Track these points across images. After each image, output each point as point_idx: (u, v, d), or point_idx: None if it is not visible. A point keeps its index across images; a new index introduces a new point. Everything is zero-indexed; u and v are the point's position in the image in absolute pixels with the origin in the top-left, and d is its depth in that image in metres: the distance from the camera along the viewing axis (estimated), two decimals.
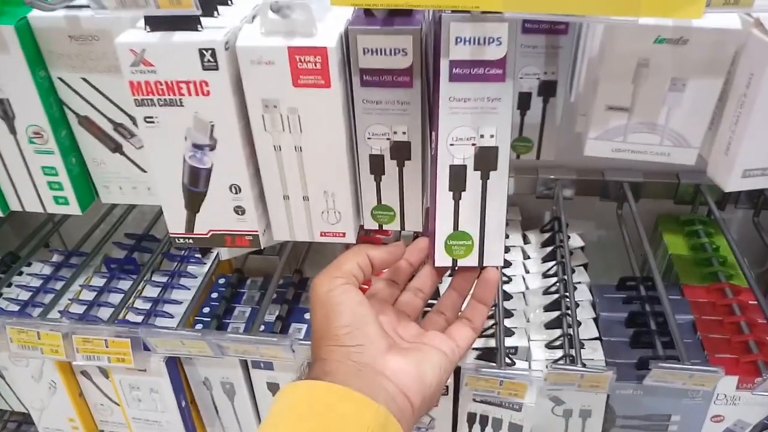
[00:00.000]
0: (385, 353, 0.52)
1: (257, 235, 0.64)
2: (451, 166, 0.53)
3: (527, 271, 0.89)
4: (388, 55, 0.53)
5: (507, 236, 0.94)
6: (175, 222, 0.64)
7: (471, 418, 0.77)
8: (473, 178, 0.54)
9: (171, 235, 0.65)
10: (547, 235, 0.93)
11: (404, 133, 0.58)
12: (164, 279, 0.90)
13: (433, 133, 0.53)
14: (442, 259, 0.58)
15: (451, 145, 0.52)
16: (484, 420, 0.77)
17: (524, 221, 0.98)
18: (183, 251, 0.95)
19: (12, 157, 0.67)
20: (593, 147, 0.58)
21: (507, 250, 0.92)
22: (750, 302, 0.79)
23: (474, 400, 0.76)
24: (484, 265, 0.59)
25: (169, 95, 0.56)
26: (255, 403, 0.87)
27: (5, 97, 0.63)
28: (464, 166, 0.53)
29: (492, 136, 0.51)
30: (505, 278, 0.86)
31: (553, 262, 0.86)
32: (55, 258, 0.97)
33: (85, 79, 0.63)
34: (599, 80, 0.54)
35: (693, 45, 0.50)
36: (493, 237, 0.58)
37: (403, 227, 0.64)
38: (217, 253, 0.90)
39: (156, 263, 0.92)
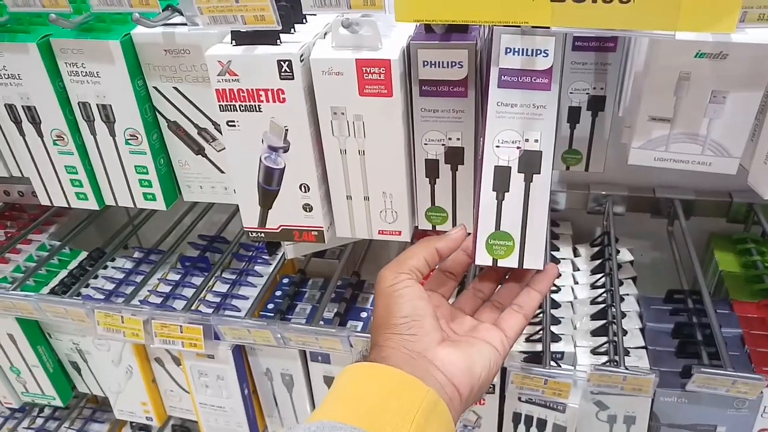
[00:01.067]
0: (437, 344, 0.55)
1: (322, 231, 0.70)
2: (496, 167, 0.57)
3: (576, 282, 0.91)
4: (445, 67, 0.59)
5: (558, 249, 0.97)
6: (249, 217, 0.71)
7: (516, 417, 0.81)
8: (517, 179, 0.57)
9: (245, 229, 0.71)
10: (596, 249, 0.96)
11: (458, 139, 0.63)
12: (233, 276, 0.97)
13: (481, 138, 0.58)
14: (483, 258, 0.61)
15: (497, 146, 0.56)
16: (528, 420, 0.80)
17: (575, 235, 1.01)
18: (251, 252, 1.02)
19: (110, 157, 0.76)
20: (636, 156, 0.61)
21: (557, 261, 0.95)
22: None
23: (519, 400, 0.79)
24: (525, 267, 0.61)
25: (249, 102, 0.63)
26: (312, 395, 0.93)
27: (108, 103, 0.72)
28: (509, 168, 0.57)
29: (536, 141, 0.55)
30: (553, 288, 0.90)
31: (602, 274, 0.89)
32: (136, 255, 1.06)
33: (176, 88, 0.71)
34: (643, 92, 0.58)
35: (732, 59, 0.54)
36: (534, 239, 0.60)
37: (455, 225, 0.69)
38: (283, 253, 0.96)
39: (226, 262, 1.00)
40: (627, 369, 0.71)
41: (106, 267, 1.04)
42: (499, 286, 0.65)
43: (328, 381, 0.90)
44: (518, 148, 0.56)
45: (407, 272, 0.58)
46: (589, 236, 1.03)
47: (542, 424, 0.79)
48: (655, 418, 0.78)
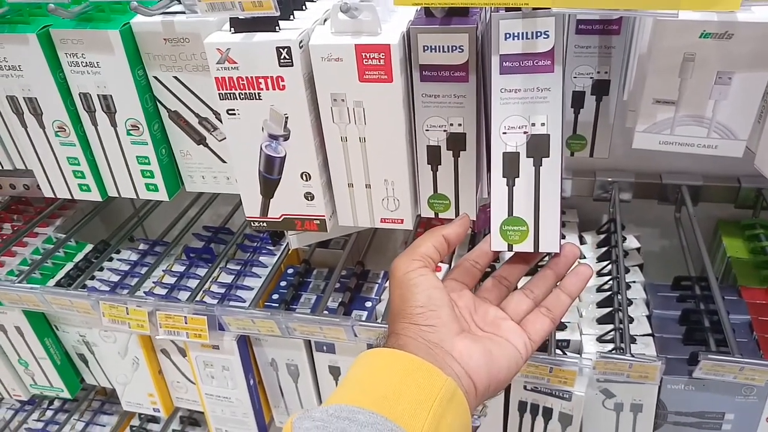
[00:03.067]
0: (455, 336, 0.54)
1: (324, 220, 0.70)
2: (504, 154, 0.56)
3: None
4: (445, 51, 0.58)
5: (564, 237, 0.96)
6: (251, 206, 0.70)
7: (522, 406, 0.80)
8: (526, 165, 0.56)
9: (247, 219, 0.71)
10: (603, 236, 0.95)
11: (460, 125, 0.62)
12: (238, 267, 0.97)
13: (485, 125, 0.57)
14: (498, 244, 0.61)
15: (504, 133, 0.56)
16: (534, 409, 0.79)
17: (581, 223, 1.00)
18: (256, 242, 1.02)
19: (112, 147, 0.76)
20: (641, 140, 0.61)
21: None
22: None
23: (525, 388, 0.78)
24: (540, 251, 0.60)
25: (249, 89, 0.63)
26: (317, 385, 0.93)
27: (109, 94, 0.72)
28: (517, 153, 0.56)
29: (543, 125, 0.54)
30: None
31: (608, 262, 0.88)
32: (141, 247, 1.06)
33: (176, 77, 0.71)
34: (647, 74, 0.57)
35: (738, 39, 0.53)
36: (548, 224, 0.59)
37: (457, 215, 0.68)
38: (287, 244, 0.96)
39: (230, 253, 1.00)
40: (633, 356, 0.70)
41: (111, 259, 1.04)
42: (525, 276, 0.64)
43: (333, 371, 0.90)
44: (525, 132, 0.56)
45: (420, 259, 0.57)
46: (595, 223, 1.02)
47: (548, 412, 0.79)
48: (662, 406, 0.77)
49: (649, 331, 0.79)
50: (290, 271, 0.98)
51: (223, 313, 0.82)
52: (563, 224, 0.99)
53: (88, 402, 1.28)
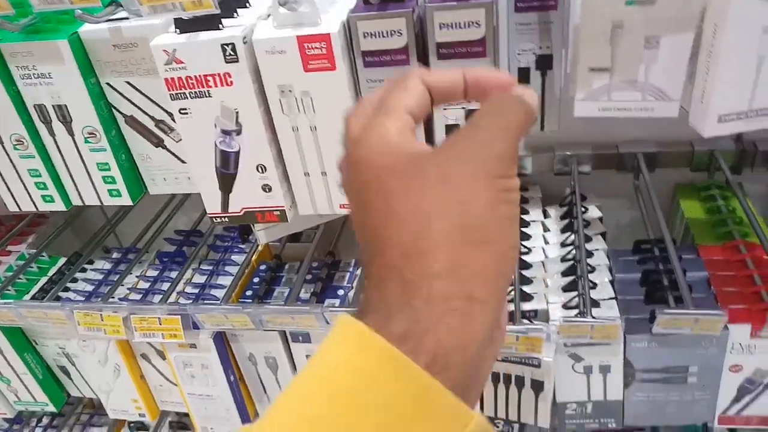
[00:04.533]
0: None
1: (284, 210, 0.71)
2: (446, 125, 0.59)
3: (546, 242, 0.93)
4: (385, 36, 0.60)
5: (527, 212, 0.99)
6: (211, 203, 0.72)
7: (495, 377, 0.82)
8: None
9: (209, 215, 0.73)
10: (565, 209, 0.97)
11: None
12: (210, 267, 0.98)
13: None
14: None
15: (444, 109, 0.58)
16: (507, 378, 0.82)
17: (544, 198, 1.02)
18: (227, 242, 1.03)
19: (71, 157, 0.77)
20: (581, 108, 0.63)
21: (527, 224, 0.96)
22: (763, 257, 0.81)
23: (496, 360, 0.80)
24: None
25: (198, 88, 0.64)
26: None
27: (64, 103, 0.73)
28: (458, 125, 0.60)
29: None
30: (524, 249, 0.91)
31: (570, 232, 0.91)
32: (114, 255, 1.07)
33: (128, 83, 0.72)
34: (580, 44, 0.59)
35: (660, 4, 0.55)
36: None
37: None
38: (256, 240, 0.97)
39: (202, 254, 1.01)
40: (593, 318, 0.72)
41: (85, 270, 1.05)
42: None
43: None
44: (463, 108, 0.58)
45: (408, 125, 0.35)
46: (558, 197, 1.04)
47: (520, 381, 0.81)
48: (629, 365, 0.80)
49: (613, 295, 0.81)
50: (262, 267, 0.99)
51: (196, 311, 0.83)
52: (527, 200, 1.02)
53: (76, 416, 1.28)
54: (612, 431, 0.88)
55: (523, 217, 0.97)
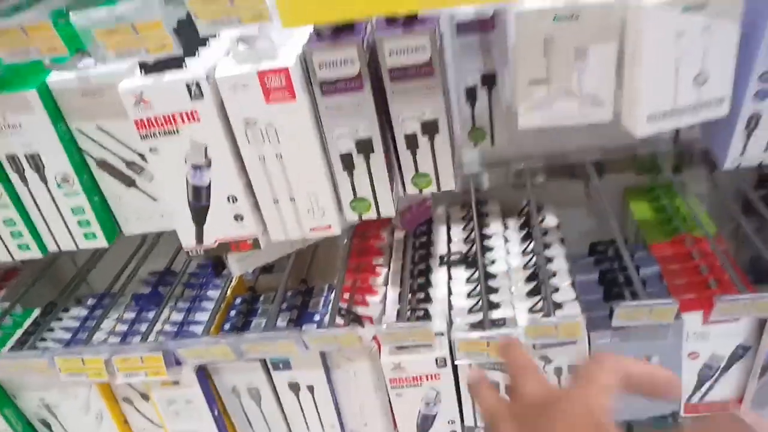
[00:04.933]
0: None
1: (257, 238, 0.74)
2: (406, 135, 0.68)
3: (508, 253, 0.97)
4: (339, 66, 0.65)
5: (488, 225, 1.03)
6: (186, 237, 0.75)
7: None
8: (423, 140, 0.69)
9: (185, 249, 0.75)
10: (523, 219, 1.02)
11: (365, 131, 0.69)
12: (187, 304, 1.00)
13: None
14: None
15: (403, 121, 0.64)
16: None
17: (503, 210, 1.07)
18: (201, 279, 1.05)
19: (45, 203, 0.79)
20: (524, 120, 0.68)
21: (488, 237, 1.01)
22: (708, 249, 0.87)
23: (469, 367, 0.84)
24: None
25: (166, 126, 0.68)
26: (280, 404, 0.96)
27: (35, 152, 0.75)
28: (415, 134, 0.68)
29: (432, 113, 0.64)
30: (488, 261, 0.95)
31: (530, 241, 0.95)
32: (89, 302, 1.08)
33: (98, 126, 0.75)
34: (517, 60, 0.65)
35: (584, 18, 0.61)
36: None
37: (378, 215, 0.74)
38: (230, 274, 1.00)
39: (178, 292, 1.03)
40: (556, 316, 0.77)
41: (61, 319, 1.05)
42: None
43: (293, 387, 0.93)
44: (419, 120, 0.65)
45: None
46: (516, 209, 1.09)
47: (495, 386, 0.84)
48: None
49: (574, 296, 0.86)
50: (238, 300, 1.01)
51: (178, 346, 0.85)
52: (486, 214, 1.06)
53: None
54: None
55: (485, 231, 1.02)
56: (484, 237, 1.00)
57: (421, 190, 0.75)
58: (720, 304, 0.73)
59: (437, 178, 0.74)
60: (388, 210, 0.74)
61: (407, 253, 1.01)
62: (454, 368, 0.86)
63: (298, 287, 1.01)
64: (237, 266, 0.89)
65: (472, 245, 0.98)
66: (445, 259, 0.98)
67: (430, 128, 0.69)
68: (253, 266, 0.92)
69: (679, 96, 0.62)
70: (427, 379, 0.85)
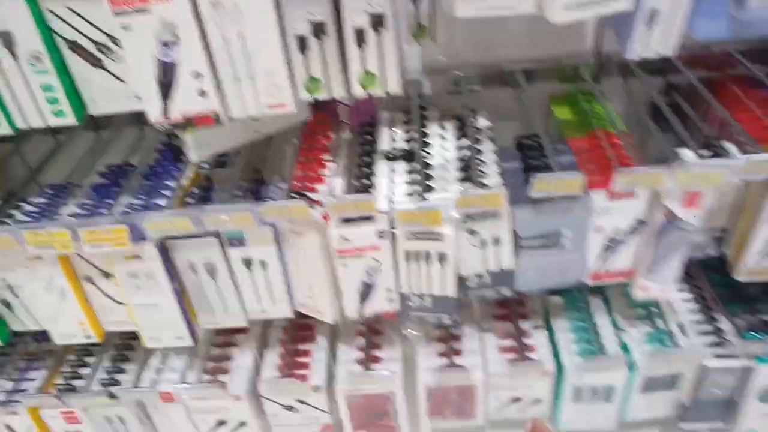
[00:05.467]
0: None
1: (218, 113, 0.82)
2: (354, 28, 0.77)
3: (444, 149, 1.08)
4: None
5: (426, 126, 1.14)
6: (154, 111, 0.82)
7: (407, 255, 0.97)
8: (371, 35, 0.77)
9: (153, 123, 0.83)
10: (459, 122, 1.13)
11: (319, 14, 0.77)
12: (146, 192, 1.06)
13: None
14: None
15: (352, 11, 0.73)
16: (416, 255, 0.97)
17: (441, 115, 1.17)
18: (160, 170, 1.12)
19: (16, 80, 0.84)
20: (461, 9, 0.77)
21: (427, 135, 1.11)
22: (616, 141, 1.00)
23: (407, 239, 0.95)
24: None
25: (139, 4, 0.74)
26: (234, 281, 1.05)
27: (7, 30, 0.80)
28: (362, 29, 0.76)
29: (379, 4, 0.75)
30: (425, 155, 1.06)
31: (464, 138, 1.07)
32: (48, 191, 1.13)
33: (69, 8, 0.80)
34: None
35: None
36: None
37: (330, 93, 0.83)
38: (188, 163, 1.07)
39: (136, 184, 1.09)
40: (483, 187, 0.88)
41: (19, 207, 1.10)
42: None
43: (246, 263, 1.02)
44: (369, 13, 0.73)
45: None
46: (454, 114, 1.19)
47: (428, 255, 0.96)
48: (515, 235, 0.97)
49: (501, 182, 0.98)
50: (195, 190, 1.09)
51: (141, 219, 0.92)
52: (427, 118, 1.16)
53: (19, 354, 1.31)
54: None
55: (424, 130, 1.12)
56: (423, 135, 1.10)
57: (367, 91, 0.83)
58: (619, 176, 0.86)
59: (384, 80, 0.83)
60: (340, 91, 0.83)
61: (353, 149, 1.10)
62: (393, 242, 0.97)
63: (252, 177, 1.09)
64: (195, 153, 0.97)
65: (412, 142, 1.08)
66: (388, 154, 1.08)
67: (377, 22, 0.77)
68: (211, 151, 1.00)
69: None
70: (370, 250, 0.96)
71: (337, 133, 1.13)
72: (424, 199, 0.93)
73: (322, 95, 0.84)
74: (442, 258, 0.96)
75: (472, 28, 1.13)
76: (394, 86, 0.83)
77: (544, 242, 0.97)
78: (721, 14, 0.78)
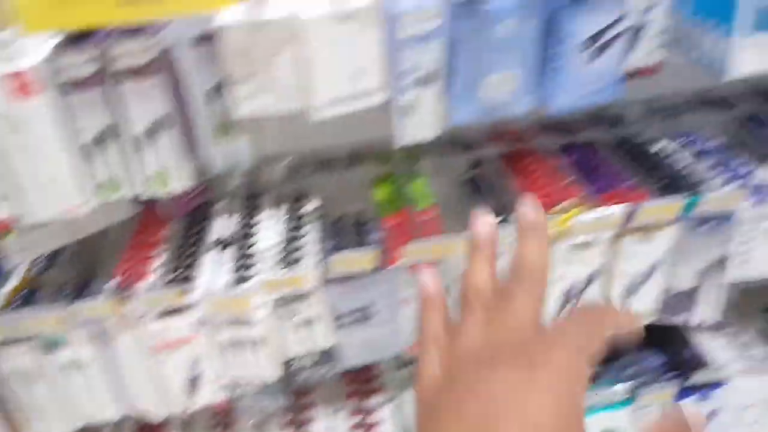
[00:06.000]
0: None
1: (17, 219, 0.85)
2: (134, 136, 0.78)
3: (271, 235, 1.12)
4: (78, 67, 0.78)
5: (259, 213, 1.19)
6: None
7: (224, 344, 1.00)
8: (153, 139, 0.80)
9: None
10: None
11: (101, 124, 0.82)
12: None
13: None
14: None
15: (132, 120, 0.77)
16: (233, 343, 0.99)
17: (273, 201, 1.23)
18: None
19: None
20: (238, 110, 0.84)
21: (253, 222, 1.16)
22: (425, 218, 1.08)
23: (221, 328, 0.98)
24: None
25: None
26: (56, 386, 1.04)
27: None
28: (145, 133, 0.78)
29: (161, 110, 0.77)
30: (252, 242, 1.10)
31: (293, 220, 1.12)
32: None
33: None
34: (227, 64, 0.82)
35: (269, 30, 0.79)
36: None
37: (124, 193, 0.87)
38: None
39: None
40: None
41: None
42: None
43: (68, 366, 1.01)
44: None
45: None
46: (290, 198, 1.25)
47: (244, 342, 0.99)
48: (333, 311, 1.01)
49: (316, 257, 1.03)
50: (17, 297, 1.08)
51: None
52: (257, 204, 1.22)
53: None
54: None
55: (252, 217, 1.16)
56: (251, 222, 1.15)
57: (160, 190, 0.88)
58: (407, 248, 0.93)
59: (175, 177, 0.88)
60: (136, 190, 0.87)
61: (180, 240, 1.13)
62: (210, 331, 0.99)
63: (78, 276, 1.10)
64: (19, 255, 0.98)
65: (241, 229, 1.13)
66: (214, 242, 1.11)
67: (159, 126, 0.83)
68: (36, 254, 1.01)
69: (340, 88, 0.82)
70: (187, 342, 0.98)
71: (166, 226, 1.16)
72: (239, 285, 0.96)
73: (115, 196, 0.87)
74: (257, 343, 0.99)
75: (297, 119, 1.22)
76: (186, 183, 0.88)
77: (358, 317, 1.02)
78: (472, 99, 0.88)
